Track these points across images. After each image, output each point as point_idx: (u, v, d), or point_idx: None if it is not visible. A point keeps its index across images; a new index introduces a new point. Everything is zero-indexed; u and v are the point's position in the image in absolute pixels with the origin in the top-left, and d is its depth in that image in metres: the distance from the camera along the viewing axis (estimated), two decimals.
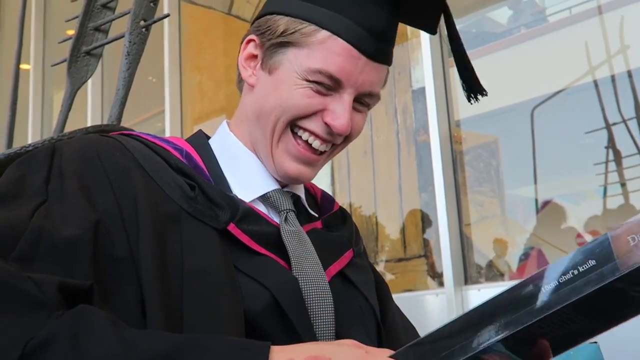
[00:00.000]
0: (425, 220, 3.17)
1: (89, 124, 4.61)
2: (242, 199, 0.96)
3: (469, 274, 2.85)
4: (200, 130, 1.07)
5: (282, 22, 0.96)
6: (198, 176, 0.92)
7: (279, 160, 0.98)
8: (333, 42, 0.94)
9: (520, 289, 0.71)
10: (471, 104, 1.08)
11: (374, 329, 0.98)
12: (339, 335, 0.90)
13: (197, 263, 0.83)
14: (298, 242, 0.94)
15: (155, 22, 1.71)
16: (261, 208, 0.98)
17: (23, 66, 5.33)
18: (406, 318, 1.13)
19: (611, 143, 2.97)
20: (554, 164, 3.16)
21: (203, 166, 0.96)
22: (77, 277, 0.75)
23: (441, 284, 2.88)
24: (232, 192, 0.96)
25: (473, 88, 1.07)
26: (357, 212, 3.47)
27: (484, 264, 2.98)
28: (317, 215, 1.07)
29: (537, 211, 3.09)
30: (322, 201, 1.12)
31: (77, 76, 1.78)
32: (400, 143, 3.33)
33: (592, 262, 0.69)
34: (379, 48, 0.96)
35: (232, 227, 0.88)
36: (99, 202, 0.83)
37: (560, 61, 3.10)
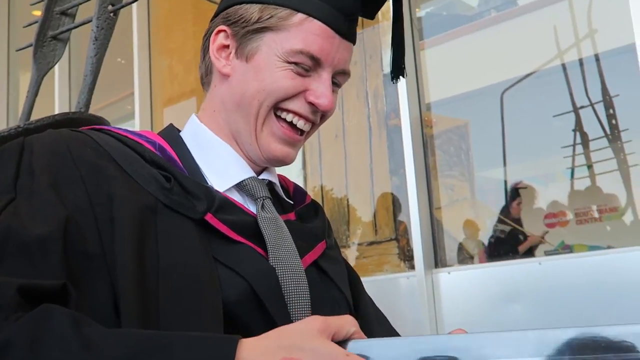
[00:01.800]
0: (396, 204, 3.19)
1: (56, 111, 4.56)
2: (218, 188, 0.96)
3: (439, 257, 2.88)
4: (170, 124, 1.07)
5: (254, 10, 0.98)
6: (173, 168, 0.92)
7: (265, 143, 0.99)
8: (310, 24, 0.97)
9: None
10: (393, 82, 1.14)
11: None
12: None
13: (174, 256, 0.83)
14: (275, 229, 0.95)
15: (123, 6, 1.69)
16: (237, 197, 0.99)
17: None
18: (379, 309, 1.15)
19: (579, 126, 3.02)
20: (523, 147, 3.19)
21: (177, 158, 0.96)
22: (47, 276, 0.74)
23: (412, 267, 2.91)
24: (207, 182, 0.97)
25: (399, 69, 1.11)
26: (329, 195, 3.48)
27: (455, 247, 3.02)
28: (291, 203, 1.08)
29: (506, 193, 3.13)
30: (294, 193, 1.13)
31: (43, 61, 1.75)
32: (372, 127, 3.34)
33: None
34: (350, 27, 1.00)
35: (209, 217, 0.89)
36: (70, 198, 0.82)
37: (529, 44, 3.13)
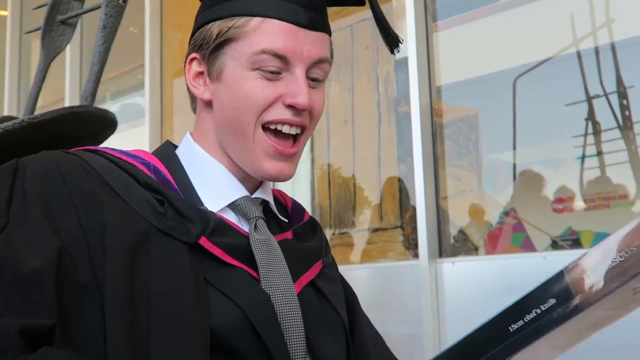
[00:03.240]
0: (403, 192, 3.18)
1: (67, 96, 4.56)
2: (212, 208, 0.96)
3: (444, 247, 2.88)
4: (167, 141, 1.07)
5: (214, 28, 0.98)
6: (167, 191, 0.92)
7: (258, 163, 0.98)
8: (268, 24, 0.96)
9: (490, 328, 0.74)
10: (393, 54, 1.11)
11: (343, 341, 0.99)
12: (309, 346, 0.92)
13: (166, 283, 0.83)
14: (267, 251, 0.94)
15: None
16: (232, 217, 0.98)
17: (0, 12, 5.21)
18: (374, 329, 1.14)
19: (591, 116, 2.99)
20: (534, 134, 3.17)
21: (171, 179, 0.96)
22: (41, 310, 0.74)
23: (416, 256, 2.91)
24: (201, 203, 0.96)
25: (391, 40, 1.09)
26: (336, 180, 3.48)
27: (460, 238, 3.01)
28: (286, 221, 1.07)
29: (514, 178, 3.12)
30: (292, 211, 1.12)
31: (51, 46, 1.75)
32: (381, 113, 3.31)
33: (552, 301, 0.72)
34: (312, 17, 0.98)
35: (203, 241, 0.89)
36: (63, 227, 0.82)
37: (545, 30, 3.09)
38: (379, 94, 3.32)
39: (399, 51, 1.10)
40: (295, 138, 1.00)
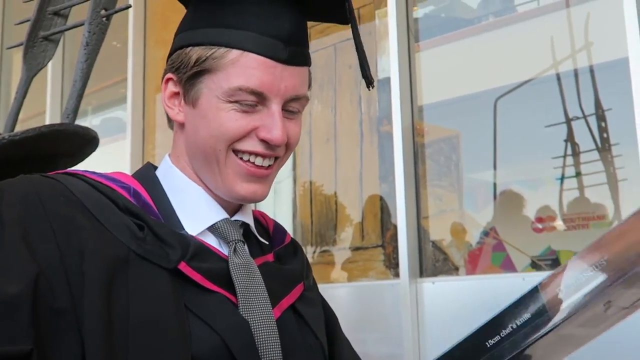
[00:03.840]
0: (385, 211, 3.19)
1: (47, 113, 4.53)
2: (192, 231, 0.95)
3: (424, 267, 2.89)
4: (148, 163, 1.06)
5: (193, 53, 0.96)
6: (147, 215, 0.91)
7: (231, 185, 0.97)
8: (245, 58, 0.94)
9: (467, 343, 0.75)
10: (369, 89, 1.09)
11: None
12: None
13: (145, 310, 0.82)
14: (247, 276, 0.94)
15: (116, 12, 1.67)
16: (212, 241, 0.98)
17: None
18: (355, 352, 1.14)
19: (570, 137, 3.02)
20: (514, 155, 3.20)
21: (152, 203, 0.95)
22: (18, 337, 0.73)
23: (397, 275, 2.92)
24: (182, 227, 0.96)
25: (367, 80, 1.07)
26: (318, 199, 3.48)
27: (440, 257, 3.03)
28: (267, 243, 1.07)
29: (495, 198, 3.14)
30: (274, 232, 1.12)
31: (33, 62, 1.74)
32: (364, 132, 3.33)
33: (527, 316, 0.73)
34: (292, 52, 0.97)
35: (183, 266, 0.88)
36: (41, 252, 0.81)
37: (525, 52, 3.13)
38: (362, 113, 3.34)
39: (373, 87, 1.09)
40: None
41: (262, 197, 1.00)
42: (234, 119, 0.94)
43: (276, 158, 1.00)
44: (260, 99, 0.95)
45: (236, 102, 0.94)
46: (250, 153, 0.97)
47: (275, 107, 0.95)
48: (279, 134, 0.95)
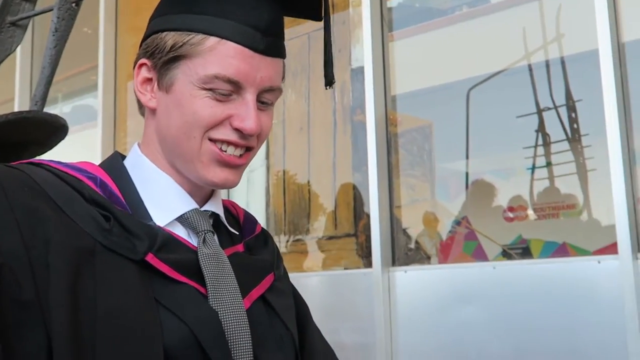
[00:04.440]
0: (357, 200, 3.20)
1: (16, 98, 4.45)
2: (160, 222, 0.95)
3: (396, 256, 2.91)
4: (116, 152, 1.05)
5: (169, 38, 0.95)
6: (113, 206, 0.90)
7: (203, 172, 0.97)
8: (223, 46, 0.94)
9: None
10: (326, 89, 1.10)
11: (292, 357, 0.99)
12: None
13: (113, 301, 0.82)
14: (216, 266, 0.93)
15: None
16: (180, 231, 0.97)
17: None
18: (326, 342, 1.14)
19: (541, 128, 3.05)
20: (486, 145, 3.22)
21: (119, 194, 0.94)
22: None
23: (369, 264, 2.93)
24: (149, 217, 0.95)
25: (328, 78, 1.08)
26: (291, 188, 3.48)
27: (412, 246, 3.05)
28: (237, 233, 1.07)
29: (467, 187, 3.16)
30: (244, 222, 1.11)
31: (1, 48, 1.71)
32: (337, 121, 3.33)
33: None
34: (269, 43, 0.97)
35: (150, 258, 0.87)
36: (4, 244, 0.79)
37: (498, 43, 3.15)
38: (335, 102, 3.34)
39: (332, 88, 1.10)
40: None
41: (232, 185, 1.00)
42: (208, 107, 0.94)
43: (248, 148, 0.99)
44: (235, 88, 0.94)
45: (211, 89, 0.93)
46: (223, 142, 0.96)
47: (250, 96, 0.95)
48: (253, 123, 0.94)
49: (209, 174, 0.96)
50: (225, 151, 0.96)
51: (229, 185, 0.99)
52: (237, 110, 0.95)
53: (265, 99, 0.99)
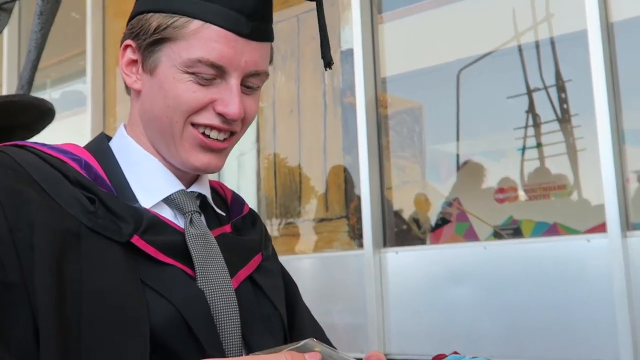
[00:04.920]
0: (349, 182, 3.20)
1: (4, 83, 4.42)
2: (146, 204, 0.94)
3: (388, 237, 2.92)
4: (102, 133, 1.04)
5: (153, 20, 0.94)
6: (98, 188, 0.89)
7: (185, 156, 0.96)
8: (207, 30, 0.93)
9: None
10: (326, 70, 1.08)
11: (280, 336, 0.99)
12: (246, 343, 0.92)
13: (99, 282, 0.81)
14: (203, 246, 0.93)
15: None
16: (167, 213, 0.97)
17: None
18: (315, 320, 1.14)
19: (531, 108, 3.06)
20: (477, 126, 3.22)
21: (104, 176, 0.93)
22: None
23: (361, 246, 2.94)
24: (135, 199, 0.94)
25: (326, 60, 1.06)
26: (282, 171, 3.48)
27: (403, 228, 3.06)
28: (224, 214, 1.06)
29: (457, 169, 3.17)
30: (232, 203, 1.11)
31: None
32: (327, 104, 3.32)
33: None
34: (254, 27, 0.95)
35: (136, 239, 0.87)
36: None
37: (487, 24, 3.14)
38: (325, 85, 3.33)
39: (331, 68, 1.08)
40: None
41: (215, 169, 0.99)
42: (191, 91, 0.93)
43: (232, 133, 0.98)
44: (219, 72, 0.93)
45: (194, 73, 0.93)
46: (207, 126, 0.95)
47: (234, 81, 0.94)
48: (236, 108, 0.94)
49: (191, 158, 0.96)
50: (209, 136, 0.96)
51: (212, 170, 0.99)
52: (220, 95, 0.94)
53: (251, 83, 0.98)
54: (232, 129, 0.97)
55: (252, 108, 0.99)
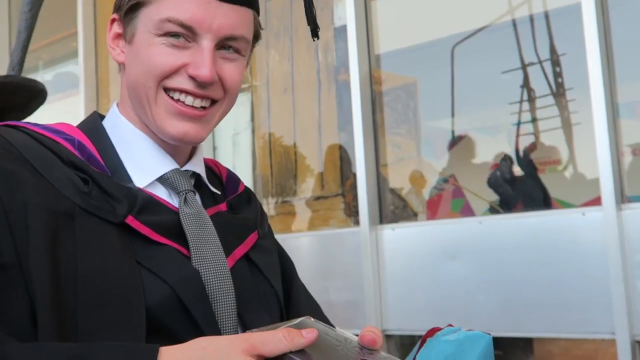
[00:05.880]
0: (344, 160, 3.20)
1: None
2: (140, 183, 0.94)
3: (384, 214, 2.92)
4: (95, 112, 1.03)
5: None
6: (92, 169, 0.89)
7: (162, 124, 0.94)
8: None
9: None
10: (314, 40, 1.07)
11: (277, 314, 1.00)
12: (242, 322, 0.92)
13: (94, 262, 0.81)
14: (197, 225, 0.93)
15: None
16: (161, 192, 0.96)
17: None
18: (311, 297, 1.14)
19: (526, 83, 3.05)
20: (472, 101, 3.22)
21: (97, 156, 0.93)
22: None
23: (357, 223, 2.95)
24: (129, 179, 0.94)
25: (312, 29, 1.06)
26: (277, 150, 3.47)
27: (400, 204, 3.06)
28: (219, 193, 1.06)
29: (452, 145, 3.16)
30: (227, 182, 1.10)
31: None
32: (321, 81, 3.31)
33: None
34: None
35: (130, 220, 0.87)
36: None
37: None
38: (319, 62, 3.31)
39: (318, 38, 1.07)
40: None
41: (195, 139, 0.97)
42: (163, 54, 0.92)
43: (214, 101, 0.97)
44: (190, 33, 0.92)
45: (165, 35, 0.92)
46: (181, 91, 0.94)
47: (206, 43, 0.93)
48: (207, 70, 0.92)
49: (167, 126, 0.94)
50: (184, 102, 0.94)
51: (191, 139, 0.97)
52: (192, 58, 0.93)
53: (231, 46, 0.96)
54: (207, 94, 0.95)
55: (233, 75, 0.97)
